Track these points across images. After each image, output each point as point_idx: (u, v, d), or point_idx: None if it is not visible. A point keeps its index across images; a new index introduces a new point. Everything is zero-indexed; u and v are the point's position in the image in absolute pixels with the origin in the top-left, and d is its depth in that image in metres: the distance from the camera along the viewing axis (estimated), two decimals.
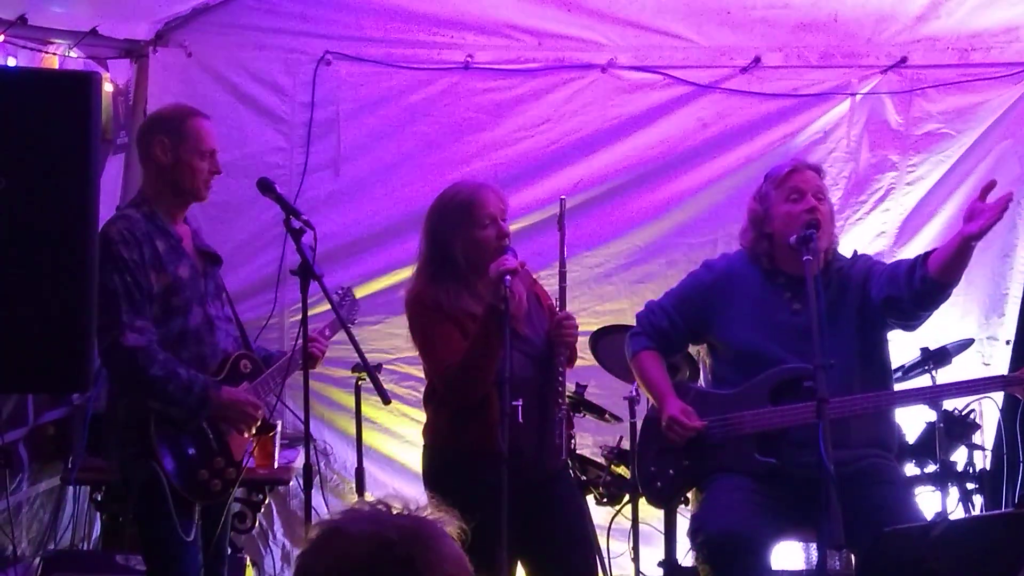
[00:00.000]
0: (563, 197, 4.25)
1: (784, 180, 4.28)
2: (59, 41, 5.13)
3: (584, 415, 5.41)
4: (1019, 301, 5.83)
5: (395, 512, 2.02)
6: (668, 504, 4.63)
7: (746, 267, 4.41)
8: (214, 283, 4.16)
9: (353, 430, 5.47)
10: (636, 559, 5.07)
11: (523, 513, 3.74)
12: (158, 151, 3.98)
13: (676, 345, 4.58)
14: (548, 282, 5.53)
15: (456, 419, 4.04)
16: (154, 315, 3.89)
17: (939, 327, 5.78)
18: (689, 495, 4.59)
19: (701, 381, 4.82)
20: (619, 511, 5.24)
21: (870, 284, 4.26)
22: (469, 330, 3.96)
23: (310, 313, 4.29)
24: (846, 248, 5.61)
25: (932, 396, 4.68)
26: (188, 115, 4.08)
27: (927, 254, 4.13)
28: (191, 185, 4.04)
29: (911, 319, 4.29)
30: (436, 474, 4.13)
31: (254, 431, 4.14)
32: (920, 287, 4.08)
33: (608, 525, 5.25)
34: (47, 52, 5.07)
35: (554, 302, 4.24)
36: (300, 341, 4.25)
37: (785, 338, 4.23)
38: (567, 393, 4.19)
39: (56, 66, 5.03)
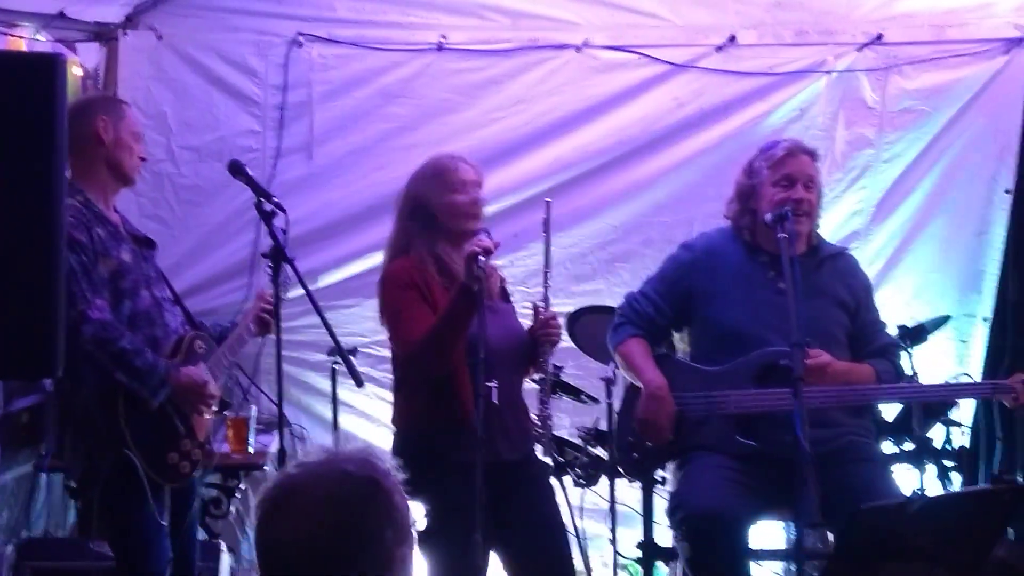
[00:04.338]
0: (548, 199, 4.15)
1: (778, 163, 4.27)
2: (26, 24, 5.05)
3: (561, 396, 5.39)
4: (996, 278, 5.84)
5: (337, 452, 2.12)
6: (644, 476, 4.61)
7: (727, 244, 4.40)
8: (153, 267, 4.12)
9: (329, 414, 5.47)
10: (614, 540, 5.07)
11: (495, 497, 3.70)
12: (100, 129, 3.94)
13: (663, 331, 4.51)
14: (526, 263, 5.55)
15: (428, 402, 4.00)
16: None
17: (916, 304, 5.81)
18: (667, 474, 4.58)
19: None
20: (592, 489, 5.23)
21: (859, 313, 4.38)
22: (439, 308, 3.94)
23: (287, 297, 4.29)
24: (823, 229, 5.66)
25: (918, 396, 4.73)
26: (119, 100, 4.11)
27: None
28: (129, 165, 4.02)
29: None
30: (407, 457, 4.08)
31: (213, 410, 4.13)
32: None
33: (580, 505, 5.24)
34: (13, 35, 5.00)
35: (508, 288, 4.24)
36: (244, 318, 4.27)
37: (769, 317, 4.21)
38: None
39: (23, 49, 4.97)
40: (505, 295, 4.25)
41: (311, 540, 2.01)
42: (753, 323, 4.25)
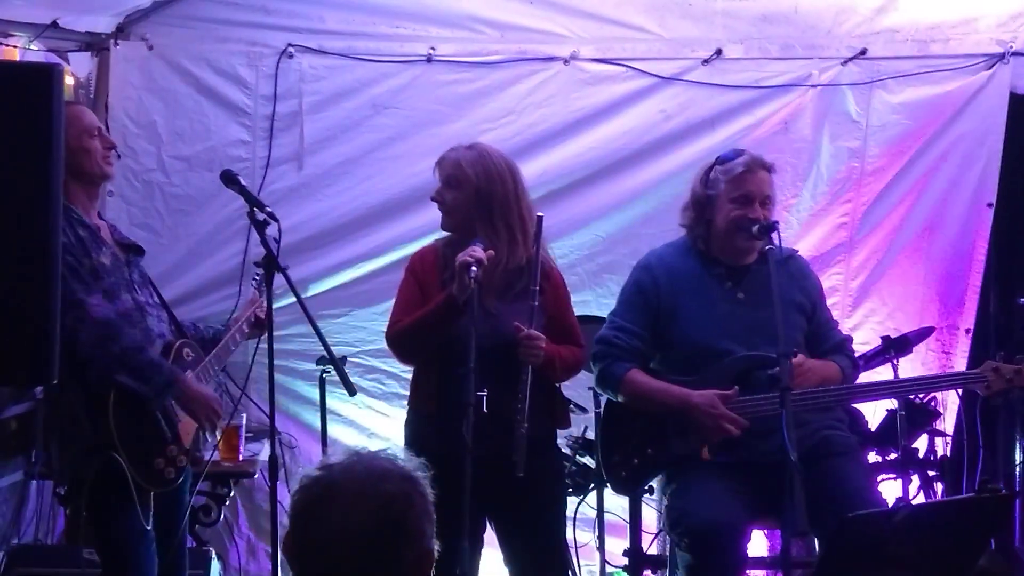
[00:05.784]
0: (540, 214, 4.16)
1: (737, 180, 4.24)
2: (19, 34, 5.09)
3: None
4: (978, 291, 5.90)
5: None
6: (632, 492, 4.63)
7: (682, 259, 4.37)
8: (139, 272, 4.10)
9: (318, 423, 5.48)
10: (601, 548, 5.10)
11: (478, 487, 3.70)
12: None
13: (647, 357, 4.40)
14: None
15: (416, 391, 4.16)
16: None
17: (899, 316, 5.86)
18: (654, 484, 4.59)
19: None
20: (584, 499, 5.25)
21: (814, 313, 4.39)
22: (429, 299, 4.02)
23: (275, 306, 4.31)
24: (808, 241, 5.70)
25: (898, 391, 4.76)
26: None
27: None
28: (91, 167, 3.96)
29: None
30: (407, 438, 4.19)
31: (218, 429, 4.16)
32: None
33: (574, 515, 5.27)
34: (7, 45, 5.04)
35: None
36: (234, 325, 4.32)
37: (732, 329, 4.22)
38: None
39: (17, 59, 5.00)
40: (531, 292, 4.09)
41: (359, 536, 2.02)
42: (717, 337, 4.22)
